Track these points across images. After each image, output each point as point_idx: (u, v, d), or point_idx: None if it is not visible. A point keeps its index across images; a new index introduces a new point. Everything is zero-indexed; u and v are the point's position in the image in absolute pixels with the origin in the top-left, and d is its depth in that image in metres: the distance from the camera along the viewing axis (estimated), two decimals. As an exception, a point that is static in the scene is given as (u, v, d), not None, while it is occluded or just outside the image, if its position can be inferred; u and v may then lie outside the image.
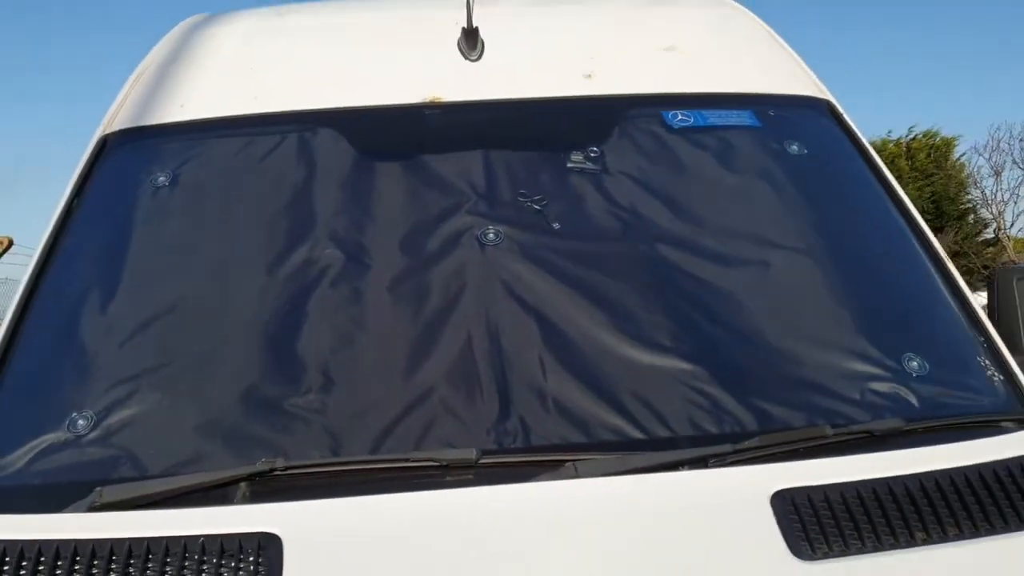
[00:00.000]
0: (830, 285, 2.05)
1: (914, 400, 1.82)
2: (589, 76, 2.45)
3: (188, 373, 1.81)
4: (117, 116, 2.41)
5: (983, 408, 1.86)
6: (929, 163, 34.00)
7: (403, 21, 2.68)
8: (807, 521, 1.47)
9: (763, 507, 1.49)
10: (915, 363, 1.87)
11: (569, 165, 2.24)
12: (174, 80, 2.47)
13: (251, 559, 1.40)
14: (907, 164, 34.47)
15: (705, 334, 1.90)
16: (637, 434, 1.70)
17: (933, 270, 2.11)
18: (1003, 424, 1.82)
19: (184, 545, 1.41)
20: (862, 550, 1.44)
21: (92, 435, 1.69)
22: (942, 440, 1.73)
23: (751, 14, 2.87)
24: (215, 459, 1.65)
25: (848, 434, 1.70)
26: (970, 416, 1.83)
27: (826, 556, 1.43)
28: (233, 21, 2.75)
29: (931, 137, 34.94)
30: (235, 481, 1.57)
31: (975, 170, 34.74)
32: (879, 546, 1.45)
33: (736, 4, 2.94)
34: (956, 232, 33.33)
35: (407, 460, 1.62)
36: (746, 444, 1.64)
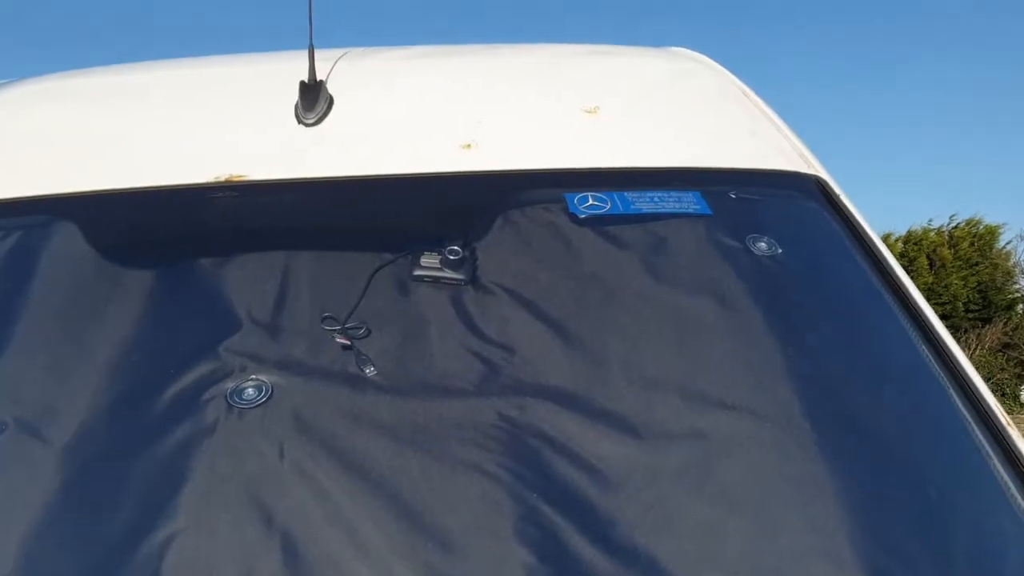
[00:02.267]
0: (813, 483, 1.19)
1: None
2: (468, 146, 1.71)
3: None
4: None
5: None
6: (973, 252, 32.83)
7: (230, 78, 1.97)
8: None
9: None
10: None
11: (416, 272, 1.47)
12: None
13: None
14: (950, 253, 33.36)
15: None
16: None
17: (983, 434, 1.28)
18: None
19: None
20: None
21: None
22: None
23: (718, 67, 2.12)
24: None
25: None
26: None
27: None
28: (25, 84, 2.06)
29: (974, 225, 33.84)
30: None
31: (1022, 258, 33.58)
32: None
33: (699, 56, 2.20)
34: (1005, 323, 31.89)
35: None
36: None
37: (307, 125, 1.75)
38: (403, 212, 1.62)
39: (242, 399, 1.24)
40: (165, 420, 1.22)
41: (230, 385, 1.25)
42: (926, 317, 1.48)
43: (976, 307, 32.64)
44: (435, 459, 1.18)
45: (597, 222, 1.57)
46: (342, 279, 1.46)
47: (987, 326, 32.48)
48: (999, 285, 32.61)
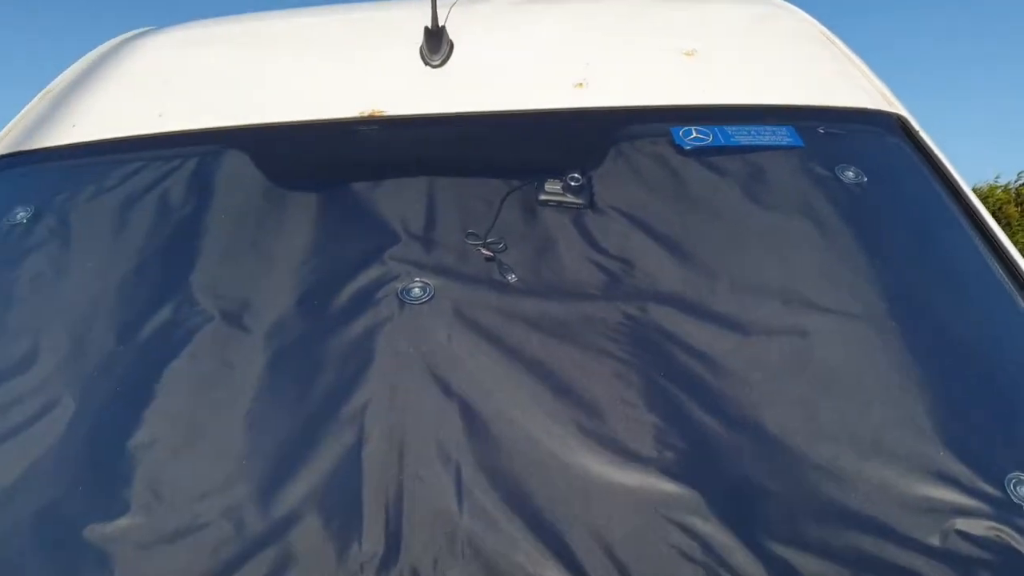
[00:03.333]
0: (897, 369, 1.40)
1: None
2: (580, 84, 1.91)
3: None
4: (4, 139, 1.98)
5: None
6: (1041, 210, 32.02)
7: (356, 24, 2.18)
8: None
9: None
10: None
11: (542, 197, 1.68)
12: (75, 99, 2.02)
13: None
14: (1017, 211, 32.54)
15: (707, 439, 1.28)
16: None
17: None
18: None
19: None
20: None
21: None
22: None
23: (802, 13, 2.27)
24: None
25: None
26: None
27: None
28: (157, 34, 2.30)
29: (1042, 182, 32.94)
30: None
31: (1092, 217, 32.54)
32: None
33: (783, 2, 2.35)
34: (1072, 283, 31.17)
35: None
36: None
37: (433, 66, 1.96)
38: (525, 144, 1.82)
39: (410, 296, 1.47)
40: (348, 312, 1.45)
41: (399, 285, 1.49)
42: (997, 237, 1.64)
43: (1042, 267, 31.99)
44: (574, 345, 1.40)
45: (701, 153, 1.76)
46: (478, 201, 1.67)
47: (1053, 287, 31.80)
48: (1067, 244, 31.88)
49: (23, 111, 2.08)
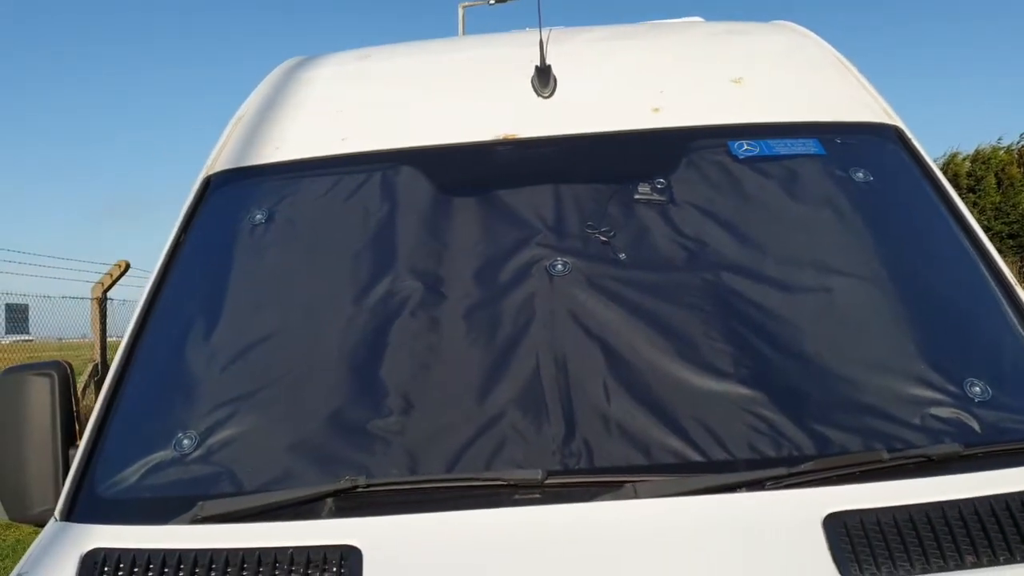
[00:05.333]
0: (893, 311, 2.09)
1: (975, 425, 1.85)
2: (657, 110, 2.55)
3: (281, 397, 1.98)
4: (219, 157, 2.63)
5: None
6: (1043, 170, 32.50)
7: (479, 61, 2.84)
8: (857, 542, 1.53)
9: (815, 529, 1.56)
10: (978, 388, 1.89)
11: (636, 197, 2.33)
12: (270, 123, 2.68)
13: (334, 570, 1.55)
14: (1019, 172, 33.02)
15: (766, 360, 1.96)
16: (697, 457, 1.79)
17: (1001, 296, 2.12)
18: None
19: (274, 556, 1.58)
20: (911, 571, 1.49)
21: (196, 454, 1.87)
22: (1003, 465, 1.75)
23: (819, 40, 2.91)
24: (305, 477, 1.81)
25: (905, 458, 1.74)
26: None
27: None
28: (321, 65, 2.96)
29: (1045, 143, 33.37)
30: (321, 497, 1.73)
31: (1094, 176, 32.85)
32: (927, 567, 1.49)
33: (804, 30, 2.99)
34: (1074, 241, 31.72)
35: (478, 480, 1.75)
36: (802, 467, 1.71)
37: (544, 98, 2.60)
38: (620, 157, 2.48)
39: (555, 271, 2.14)
40: (513, 282, 2.13)
41: (546, 263, 2.15)
42: (970, 225, 2.28)
43: (1044, 226, 32.56)
44: (670, 301, 2.07)
45: (752, 160, 2.41)
46: (590, 201, 2.33)
47: (1054, 245, 32.41)
48: (1068, 203, 32.37)
49: (227, 132, 2.73)
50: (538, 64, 2.62)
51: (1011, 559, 1.51)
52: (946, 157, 35.79)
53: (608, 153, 2.49)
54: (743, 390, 1.89)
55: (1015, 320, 2.07)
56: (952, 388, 1.90)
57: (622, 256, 2.18)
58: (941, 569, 1.50)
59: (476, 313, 2.09)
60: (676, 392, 1.90)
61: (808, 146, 2.46)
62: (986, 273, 2.17)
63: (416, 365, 2.01)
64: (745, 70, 2.68)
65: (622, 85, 2.66)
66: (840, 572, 1.49)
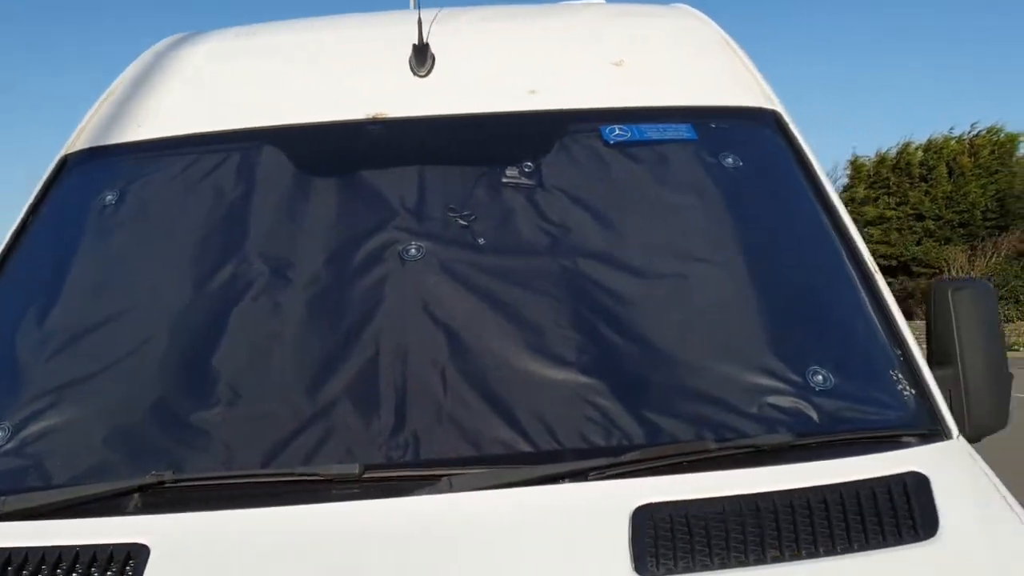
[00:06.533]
0: (745, 300, 2.07)
1: (813, 414, 1.83)
2: (533, 91, 2.50)
3: (102, 387, 1.90)
4: (80, 137, 2.54)
5: (885, 423, 1.86)
6: (993, 160, 33.17)
7: (358, 40, 2.76)
8: (661, 536, 1.50)
9: (622, 521, 1.53)
10: (820, 376, 1.88)
11: (504, 180, 2.28)
12: (136, 101, 2.59)
13: (115, 569, 1.49)
14: (970, 161, 33.69)
15: (611, 348, 1.93)
16: (525, 447, 1.75)
17: (859, 285, 2.10)
18: (904, 439, 1.82)
19: (59, 555, 1.51)
20: (708, 567, 1.46)
21: (7, 446, 1.80)
22: (834, 455, 1.73)
23: (710, 23, 2.87)
24: (116, 470, 1.75)
25: (733, 448, 1.72)
26: (868, 431, 1.83)
27: (669, 572, 1.45)
28: (198, 42, 2.86)
29: (995, 133, 34.04)
30: (124, 493, 1.66)
31: (1041, 167, 33.54)
32: (726, 563, 1.47)
33: (697, 13, 2.95)
34: (1022, 231, 32.37)
35: (292, 475, 1.70)
36: (624, 458, 1.68)
37: (420, 77, 2.54)
38: (492, 139, 2.42)
39: (408, 255, 2.08)
40: (363, 266, 2.06)
41: (400, 247, 2.09)
42: (838, 213, 2.27)
43: (994, 215, 33.10)
44: (524, 287, 2.02)
45: (622, 145, 2.37)
46: (456, 184, 2.28)
47: (1004, 234, 32.95)
48: (1017, 193, 32.94)
49: (92, 110, 2.63)
50: (416, 42, 2.56)
51: (813, 553, 1.49)
52: (899, 147, 36.41)
53: (480, 135, 2.44)
54: (583, 379, 1.85)
55: (870, 311, 2.05)
56: (794, 377, 1.88)
57: (481, 241, 2.14)
58: (741, 564, 1.47)
59: (320, 299, 2.03)
60: (515, 382, 1.86)
61: (680, 131, 2.42)
62: (848, 264, 2.15)
63: (250, 354, 1.94)
64: (627, 53, 2.64)
65: (501, 66, 2.60)
66: (636, 566, 1.45)
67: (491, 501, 1.62)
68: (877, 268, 2.18)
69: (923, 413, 1.87)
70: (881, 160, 37.16)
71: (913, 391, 1.91)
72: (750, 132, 2.49)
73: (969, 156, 33.86)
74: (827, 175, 2.43)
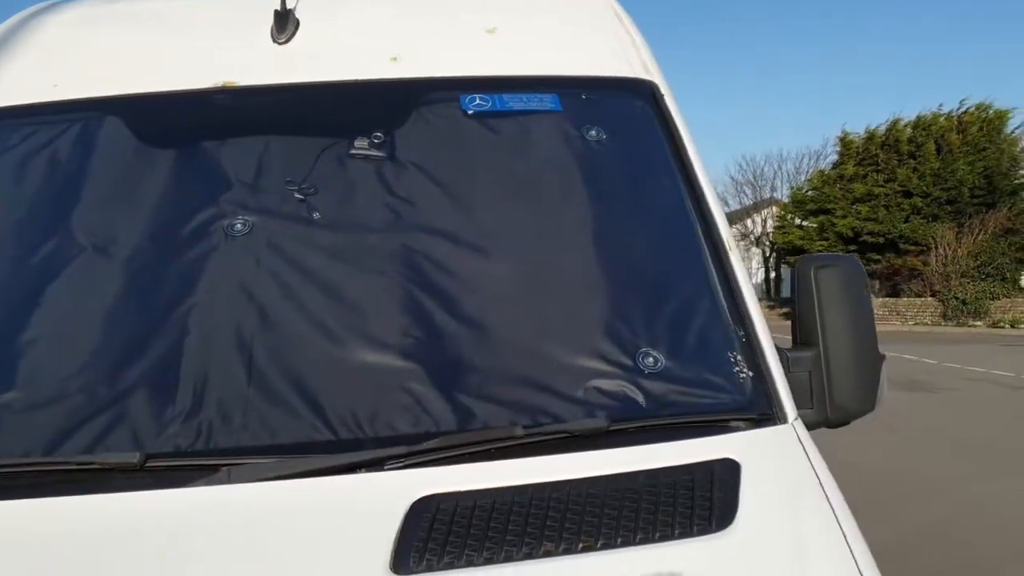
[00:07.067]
0: (587, 280, 1.96)
1: (640, 398, 1.74)
2: (395, 59, 2.38)
3: None
4: None
5: (713, 407, 1.77)
6: (981, 137, 32.97)
7: (221, 7, 2.63)
8: (437, 530, 1.41)
9: (396, 514, 1.44)
10: (651, 359, 1.79)
11: (352, 152, 2.18)
12: None
13: None
14: (958, 138, 33.51)
15: (436, 331, 1.83)
16: (323, 436, 1.65)
17: (710, 264, 2.00)
18: (732, 424, 1.74)
19: None
20: (473, 562, 1.37)
21: None
22: (652, 440, 1.65)
23: None
24: None
25: (542, 435, 1.63)
26: (693, 415, 1.74)
27: (429, 570, 1.36)
28: (62, 10, 2.72)
29: (984, 110, 33.82)
30: None
31: (1029, 144, 33.34)
32: (493, 558, 1.38)
33: None
34: (1009, 208, 32.28)
35: (69, 463, 1.60)
36: (425, 445, 1.59)
37: (280, 44, 2.42)
38: (347, 109, 2.31)
39: (234, 230, 1.97)
40: (186, 243, 1.96)
41: (226, 222, 1.99)
42: (701, 190, 2.16)
43: (981, 192, 32.94)
44: (353, 266, 1.92)
45: (480, 116, 2.26)
46: (302, 155, 2.16)
47: (991, 211, 32.84)
48: (1005, 171, 32.79)
49: None
50: (278, 8, 2.44)
51: (590, 546, 1.39)
52: (888, 123, 36.17)
53: (332, 105, 2.32)
54: (401, 364, 1.75)
55: (718, 292, 1.95)
56: (624, 359, 1.79)
57: (316, 216, 2.03)
58: (509, 559, 1.37)
59: (137, 277, 1.92)
60: (326, 367, 1.76)
61: (545, 102, 2.31)
62: (702, 243, 2.04)
63: (55, 335, 1.84)
64: (503, 20, 2.52)
65: (367, 33, 2.48)
66: (394, 564, 1.36)
67: (270, 493, 1.52)
68: (734, 246, 2.08)
69: (757, 397, 1.79)
70: (870, 137, 36.94)
71: (750, 373, 1.82)
72: (622, 104, 2.38)
73: (957, 133, 33.62)
74: (696, 151, 2.31)
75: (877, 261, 35.26)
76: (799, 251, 39.60)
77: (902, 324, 32.06)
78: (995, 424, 10.69)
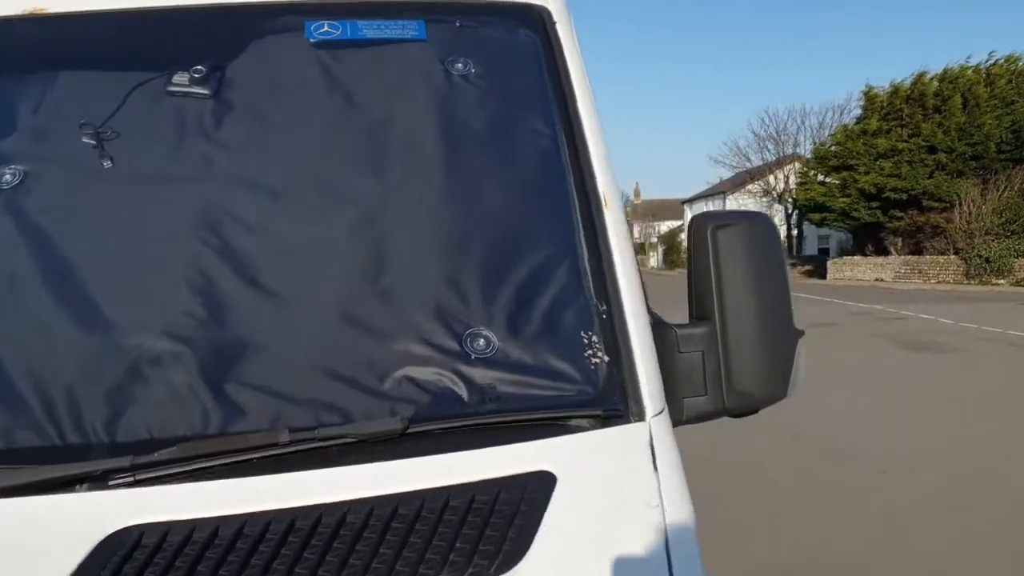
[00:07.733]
0: (422, 246, 1.60)
1: (462, 391, 1.40)
2: None
3: None
4: None
5: (553, 401, 1.42)
6: (1010, 90, 31.86)
7: None
8: (125, 574, 1.09)
9: (77, 552, 1.11)
10: (482, 340, 1.44)
11: (169, 89, 1.83)
12: None
13: None
14: (986, 91, 32.42)
15: (218, 309, 1.47)
16: (50, 442, 1.33)
17: (579, 226, 1.64)
18: (574, 423, 1.39)
19: None
20: None
21: None
22: (461, 446, 1.31)
23: None
24: None
25: (317, 441, 1.29)
26: (520, 413, 1.39)
27: None
28: None
29: (1013, 62, 32.66)
30: None
31: (1060, 97, 32.19)
32: None
33: None
34: (1037, 164, 31.24)
35: None
36: (158, 456, 1.26)
37: None
38: (170, 39, 1.95)
39: (3, 182, 1.64)
40: None
41: None
42: (583, 134, 1.79)
43: (1008, 147, 31.89)
44: (136, 226, 1.58)
45: (327, 46, 1.89)
46: (108, 94, 1.82)
47: (1018, 167, 31.87)
48: (1034, 125, 31.75)
49: None
50: None
51: None
52: (913, 77, 35.07)
53: (156, 34, 1.96)
54: (166, 346, 1.41)
55: (582, 259, 1.60)
56: (449, 342, 1.44)
57: (106, 163, 1.69)
58: None
59: None
60: (62, 353, 1.43)
61: (407, 29, 1.94)
62: (574, 201, 1.69)
63: None
64: None
65: None
66: None
67: None
68: (614, 202, 1.72)
69: (610, 388, 1.44)
70: (895, 91, 35.86)
71: (605, 358, 1.47)
72: (503, 33, 2.00)
73: (985, 86, 32.53)
74: (589, 90, 1.93)
75: (900, 218, 34.44)
76: (821, 208, 38.84)
77: (924, 282, 31.33)
78: (1002, 391, 10.23)
